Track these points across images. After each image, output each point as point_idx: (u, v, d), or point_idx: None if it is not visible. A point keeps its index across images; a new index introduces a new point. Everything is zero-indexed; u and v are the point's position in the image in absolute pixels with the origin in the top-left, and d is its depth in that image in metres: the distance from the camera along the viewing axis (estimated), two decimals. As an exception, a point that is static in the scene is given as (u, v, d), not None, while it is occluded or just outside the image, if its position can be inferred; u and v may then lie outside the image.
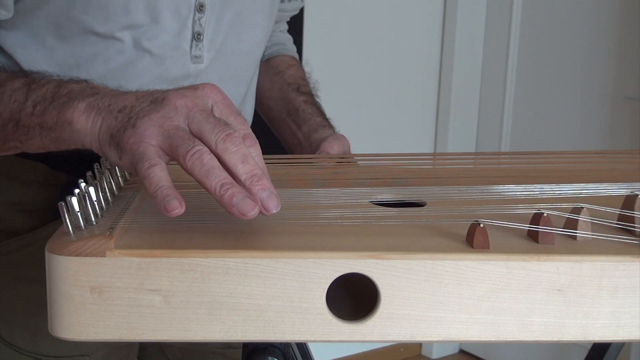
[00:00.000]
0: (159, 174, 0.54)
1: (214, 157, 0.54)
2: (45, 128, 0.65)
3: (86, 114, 0.61)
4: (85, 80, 0.67)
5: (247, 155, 0.55)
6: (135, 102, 0.60)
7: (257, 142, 0.59)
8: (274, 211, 0.54)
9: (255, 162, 0.55)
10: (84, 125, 0.61)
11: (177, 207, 0.52)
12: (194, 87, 0.59)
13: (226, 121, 0.58)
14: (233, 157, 0.54)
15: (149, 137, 0.56)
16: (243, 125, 0.59)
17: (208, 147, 0.55)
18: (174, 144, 0.55)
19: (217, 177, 0.53)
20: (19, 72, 0.73)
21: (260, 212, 0.53)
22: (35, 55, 0.79)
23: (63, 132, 0.63)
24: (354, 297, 0.53)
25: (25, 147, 0.69)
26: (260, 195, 0.53)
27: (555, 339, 0.52)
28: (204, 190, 0.54)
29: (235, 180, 0.54)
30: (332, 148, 0.87)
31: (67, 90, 0.65)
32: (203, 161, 0.53)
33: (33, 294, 0.83)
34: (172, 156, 0.56)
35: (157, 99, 0.59)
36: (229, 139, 0.55)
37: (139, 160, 0.55)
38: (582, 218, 0.55)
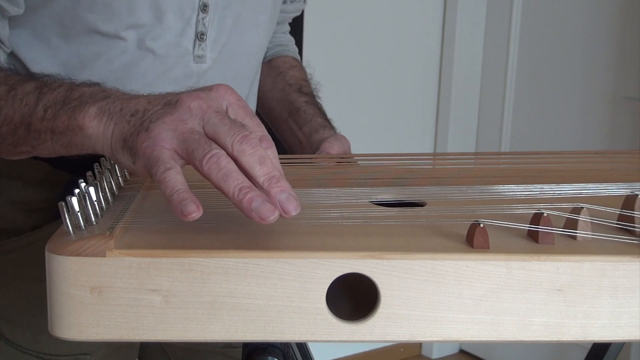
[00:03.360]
0: (174, 178, 0.52)
1: (231, 161, 0.53)
2: (57, 133, 0.63)
3: (97, 118, 0.60)
4: (97, 84, 0.66)
5: (264, 157, 0.54)
6: (147, 105, 0.58)
7: (273, 144, 0.58)
8: (294, 214, 0.52)
9: (273, 163, 0.54)
10: (96, 131, 0.60)
11: (194, 211, 0.51)
12: (207, 88, 0.58)
13: (242, 122, 0.56)
14: (250, 160, 0.53)
15: (163, 141, 0.54)
16: (259, 127, 0.58)
17: (224, 150, 0.53)
18: (189, 147, 0.54)
19: (235, 181, 0.52)
20: (31, 75, 0.72)
21: (280, 214, 0.52)
22: (39, 54, 0.80)
23: (74, 137, 0.62)
24: (354, 297, 0.53)
25: (37, 152, 0.68)
26: (279, 198, 0.52)
27: (555, 339, 0.52)
28: (204, 190, 0.54)
29: (253, 183, 0.53)
30: (333, 148, 0.87)
31: (78, 94, 0.63)
32: (220, 165, 0.52)
33: (35, 292, 0.83)
34: (188, 160, 0.54)
35: (170, 102, 0.57)
36: (246, 141, 0.54)
37: (154, 164, 0.54)
38: (582, 218, 0.55)
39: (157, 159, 0.54)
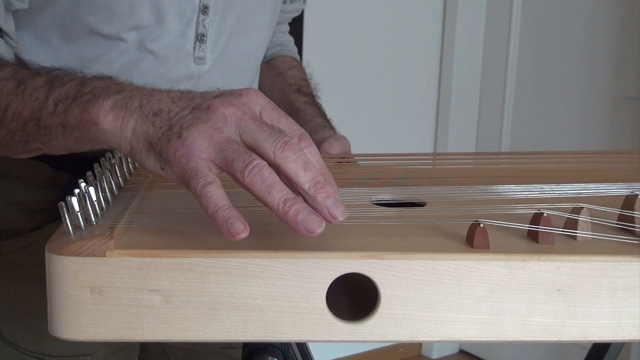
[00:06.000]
0: (216, 193, 0.50)
1: (273, 171, 0.51)
2: (68, 128, 0.61)
3: (113, 113, 0.57)
4: (110, 77, 0.63)
5: (307, 162, 0.52)
6: (172, 105, 0.56)
7: (312, 142, 0.56)
8: (341, 219, 0.51)
9: (316, 168, 0.53)
10: (111, 126, 0.57)
11: (243, 231, 0.49)
12: (237, 93, 0.56)
13: (278, 125, 0.55)
14: (294, 166, 0.51)
15: (199, 151, 0.52)
16: (295, 126, 0.56)
17: (265, 158, 0.52)
18: (228, 158, 0.51)
19: (279, 193, 0.50)
20: (41, 69, 0.70)
21: (326, 219, 0.51)
22: (40, 55, 0.79)
23: (87, 131, 0.59)
24: (354, 297, 0.53)
25: (47, 149, 0.66)
26: (326, 203, 0.51)
27: (555, 339, 0.52)
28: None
29: (297, 189, 0.51)
30: (333, 148, 0.87)
31: (90, 88, 0.61)
32: (263, 176, 0.50)
33: (35, 293, 0.83)
34: (227, 171, 0.52)
35: (199, 106, 0.55)
36: (288, 147, 0.52)
37: (192, 176, 0.51)
38: (582, 218, 0.55)
39: (195, 170, 0.51)
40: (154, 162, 0.55)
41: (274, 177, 0.51)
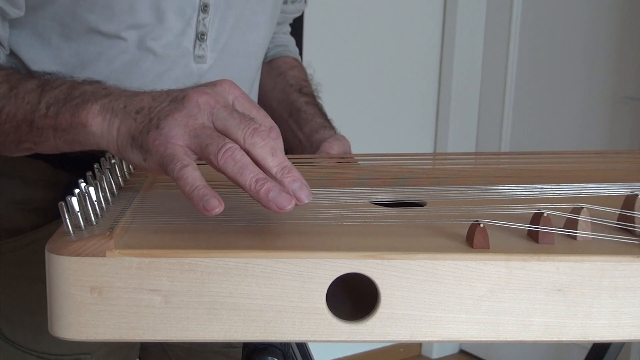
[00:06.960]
0: (192, 174, 0.53)
1: (245, 154, 0.54)
2: (59, 130, 0.64)
3: (101, 115, 0.60)
4: (99, 81, 0.66)
5: (275, 148, 0.55)
6: (152, 102, 0.59)
7: (280, 135, 0.59)
8: (306, 201, 0.54)
9: (284, 154, 0.56)
10: (99, 128, 0.60)
11: (217, 206, 0.52)
12: (212, 84, 0.59)
13: (249, 114, 0.58)
14: (262, 151, 0.54)
15: (176, 137, 0.55)
16: (266, 117, 0.59)
17: (236, 144, 0.55)
18: (202, 142, 0.55)
19: (251, 173, 0.53)
20: (32, 74, 0.73)
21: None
22: (40, 54, 0.80)
23: (77, 134, 0.62)
24: (354, 297, 0.53)
25: (39, 149, 0.69)
26: (292, 187, 0.54)
27: (555, 339, 0.52)
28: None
29: (266, 173, 0.54)
30: (332, 148, 0.87)
31: (80, 92, 0.64)
32: (235, 158, 0.53)
33: (35, 292, 0.83)
34: (201, 155, 0.55)
35: (176, 98, 0.58)
36: (257, 133, 0.55)
37: (169, 161, 0.54)
38: (582, 218, 0.55)
39: (171, 156, 0.54)
40: (136, 154, 0.58)
41: (246, 159, 0.54)
